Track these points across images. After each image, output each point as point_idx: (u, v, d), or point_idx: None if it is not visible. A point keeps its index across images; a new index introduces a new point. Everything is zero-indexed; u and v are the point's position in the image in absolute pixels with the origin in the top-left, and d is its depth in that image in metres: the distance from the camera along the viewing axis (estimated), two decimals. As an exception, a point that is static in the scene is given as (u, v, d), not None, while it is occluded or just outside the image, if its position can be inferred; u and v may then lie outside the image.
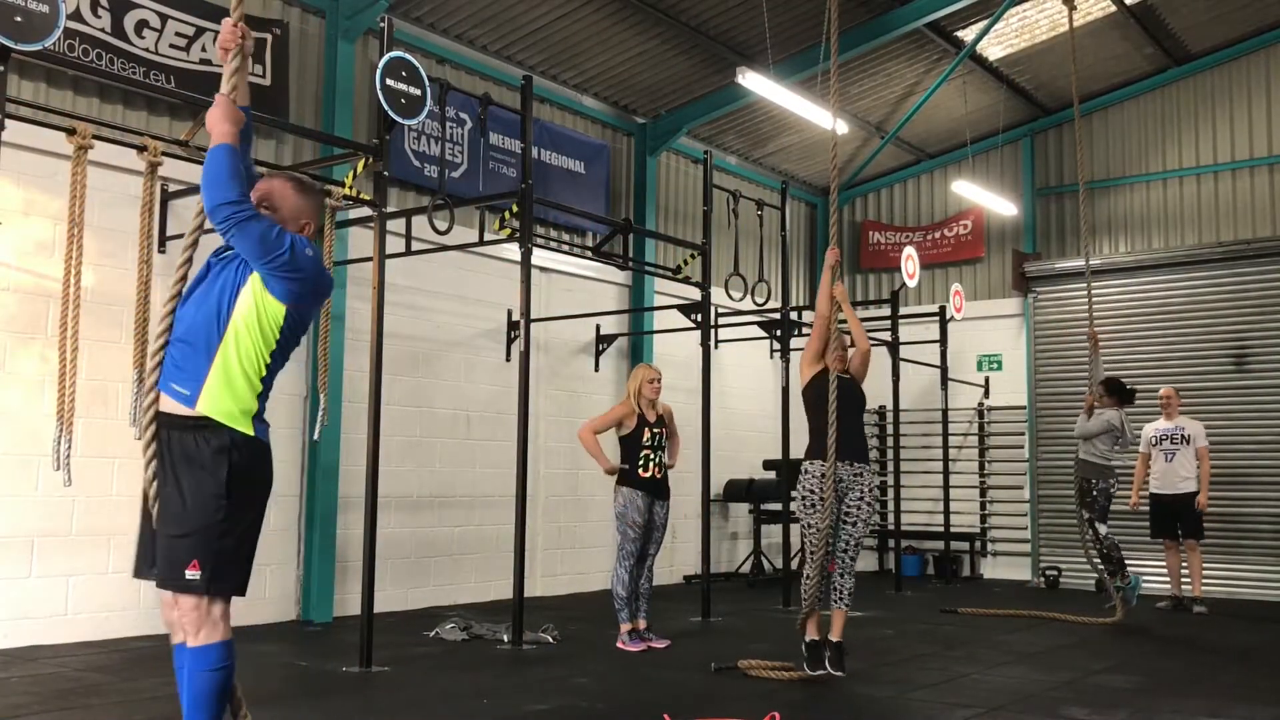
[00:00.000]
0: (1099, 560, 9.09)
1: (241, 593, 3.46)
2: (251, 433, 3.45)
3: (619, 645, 7.19)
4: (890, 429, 12.93)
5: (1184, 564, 9.92)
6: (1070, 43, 9.44)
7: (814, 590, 6.03)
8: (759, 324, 10.94)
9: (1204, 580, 10.21)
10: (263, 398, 3.51)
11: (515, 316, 8.74)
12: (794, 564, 12.21)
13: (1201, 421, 10.00)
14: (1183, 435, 9.76)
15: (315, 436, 7.91)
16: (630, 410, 7.43)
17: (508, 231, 7.99)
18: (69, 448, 5.91)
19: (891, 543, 12.70)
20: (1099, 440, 9.27)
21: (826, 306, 6.38)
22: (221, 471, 3.37)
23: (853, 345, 6.55)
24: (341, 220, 8.14)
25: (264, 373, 3.51)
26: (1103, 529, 9.18)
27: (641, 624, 7.33)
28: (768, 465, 12.44)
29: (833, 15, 6.54)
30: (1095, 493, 9.21)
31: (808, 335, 6.84)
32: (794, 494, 6.32)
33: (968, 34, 11.35)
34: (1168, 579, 10.15)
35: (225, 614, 3.44)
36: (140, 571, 3.55)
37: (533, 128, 8.04)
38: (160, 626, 7.45)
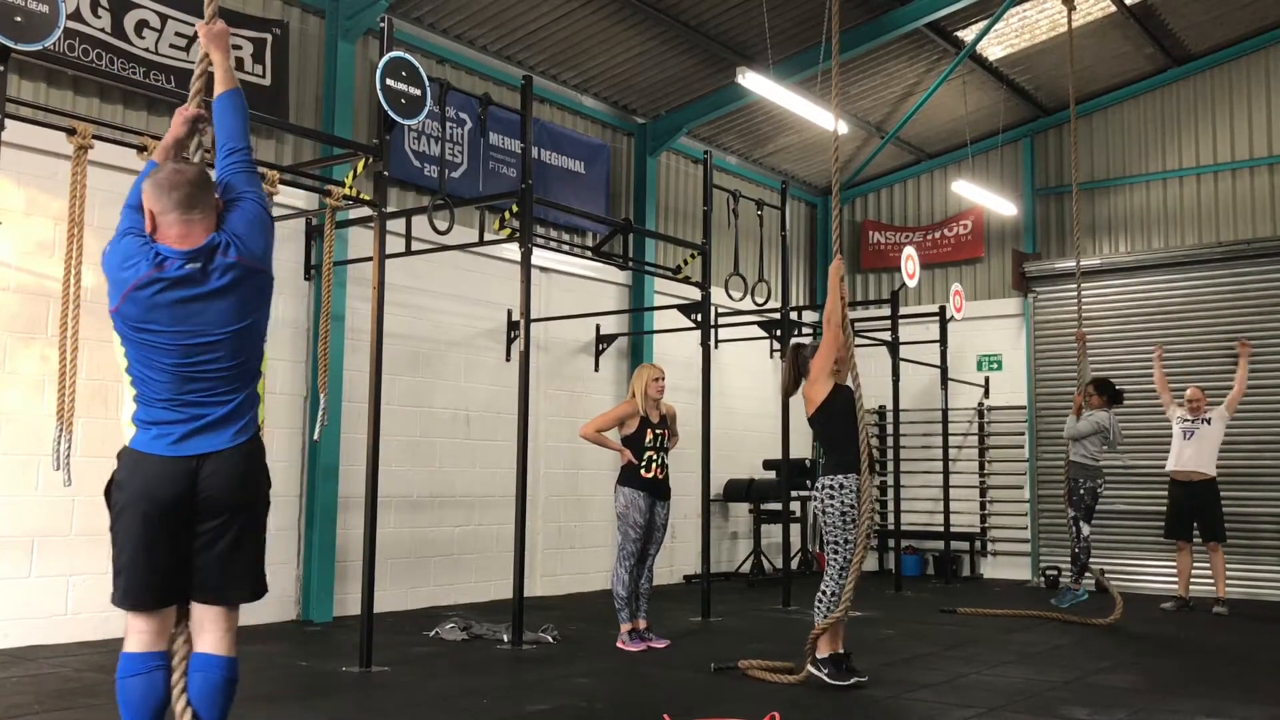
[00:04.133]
0: (1081, 559, 9.48)
1: (122, 605, 3.30)
2: (126, 441, 3.32)
3: (619, 645, 7.18)
4: (890, 429, 12.93)
5: (1195, 565, 9.86)
6: (1069, 43, 9.44)
7: (845, 605, 5.90)
8: (759, 324, 10.93)
9: (1206, 580, 10.19)
10: (141, 401, 3.30)
11: (515, 316, 8.76)
12: (794, 564, 12.22)
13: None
14: (1205, 420, 9.63)
15: (315, 436, 7.91)
16: (634, 410, 7.39)
17: (508, 231, 7.99)
18: (69, 448, 5.91)
19: (891, 543, 12.70)
20: (1088, 441, 9.51)
21: (841, 315, 6.27)
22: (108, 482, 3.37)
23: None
24: (341, 220, 8.15)
25: (129, 377, 3.32)
26: (1085, 529, 9.50)
27: (642, 624, 7.31)
28: (768, 465, 12.44)
29: (833, 14, 6.52)
30: (1083, 491, 9.47)
31: (807, 335, 6.82)
32: (820, 507, 6.13)
33: (968, 34, 11.35)
34: (1175, 580, 10.11)
35: (129, 624, 3.34)
36: None
37: (533, 128, 8.04)
38: (160, 626, 7.46)
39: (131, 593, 3.28)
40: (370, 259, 6.90)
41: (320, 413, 7.75)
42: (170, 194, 3.26)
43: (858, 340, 12.41)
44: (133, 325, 3.24)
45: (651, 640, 7.26)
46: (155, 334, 3.23)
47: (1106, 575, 9.74)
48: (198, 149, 3.67)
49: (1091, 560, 9.94)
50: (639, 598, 7.34)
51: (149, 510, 3.23)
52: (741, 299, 10.61)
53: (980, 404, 13.25)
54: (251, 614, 7.91)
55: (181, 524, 3.27)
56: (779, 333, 10.61)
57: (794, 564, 12.29)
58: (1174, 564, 10.22)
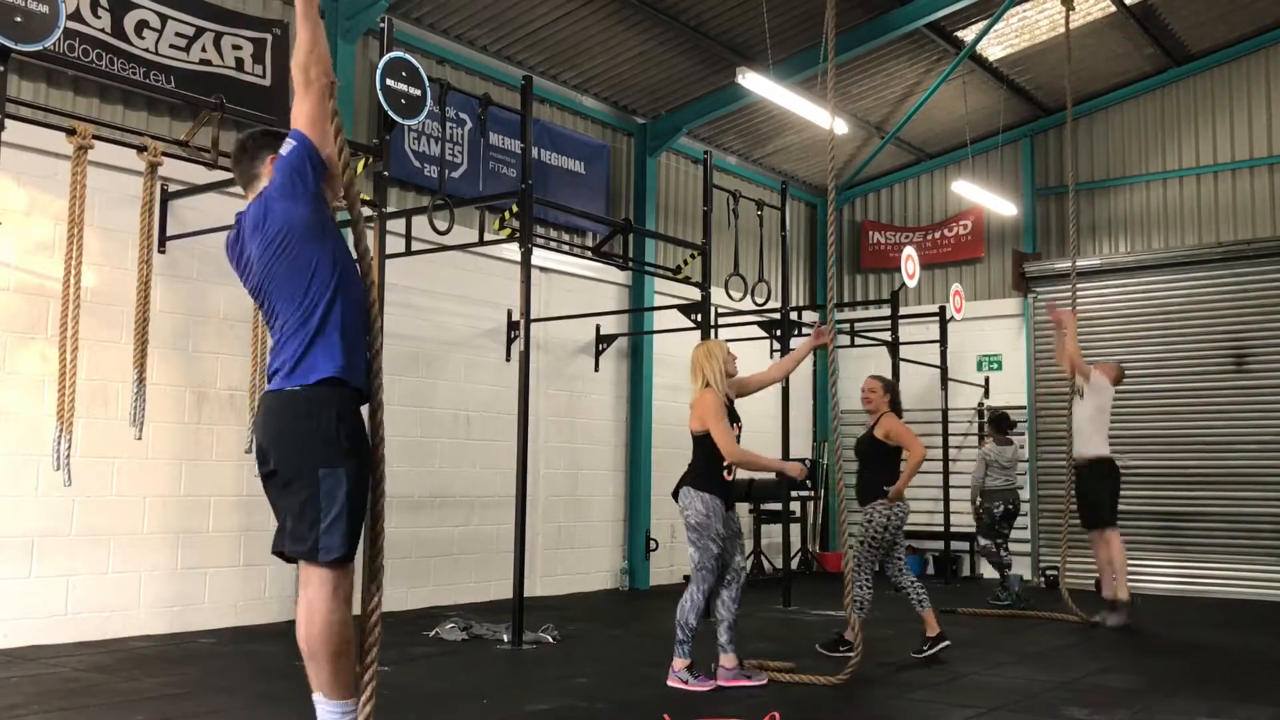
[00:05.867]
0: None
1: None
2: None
3: (677, 684, 5.88)
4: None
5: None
6: (1066, 43, 9.43)
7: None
8: (759, 324, 10.94)
9: (1205, 580, 10.15)
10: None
11: (515, 316, 8.75)
12: (794, 564, 12.22)
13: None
14: (1079, 394, 9.15)
15: (315, 437, 7.89)
16: (722, 399, 6.11)
17: (508, 231, 7.99)
18: (69, 448, 5.92)
19: (891, 543, 12.68)
20: (993, 470, 10.23)
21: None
22: None
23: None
24: (342, 220, 8.13)
25: None
26: (984, 542, 10.29)
27: (730, 660, 6.00)
28: (768, 465, 12.42)
29: (830, 10, 6.52)
30: (981, 511, 10.29)
31: (807, 335, 6.75)
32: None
33: (968, 34, 11.35)
34: (1173, 580, 9.99)
35: None
36: None
37: (533, 128, 8.04)
38: (160, 627, 7.47)
39: None
40: (370, 259, 6.89)
41: (320, 413, 7.74)
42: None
43: (858, 340, 12.45)
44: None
45: (749, 678, 5.98)
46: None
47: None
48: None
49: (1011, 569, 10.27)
50: (728, 628, 6.07)
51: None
52: (741, 299, 10.61)
53: (980, 404, 13.24)
54: (251, 614, 7.92)
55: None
56: (779, 333, 10.61)
57: (794, 564, 12.29)
58: (1171, 563, 10.18)
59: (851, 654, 6.26)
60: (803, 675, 6.09)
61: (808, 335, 6.71)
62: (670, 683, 5.90)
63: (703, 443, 6.11)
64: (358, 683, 3.45)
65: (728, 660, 5.99)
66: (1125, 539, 12.11)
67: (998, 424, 10.42)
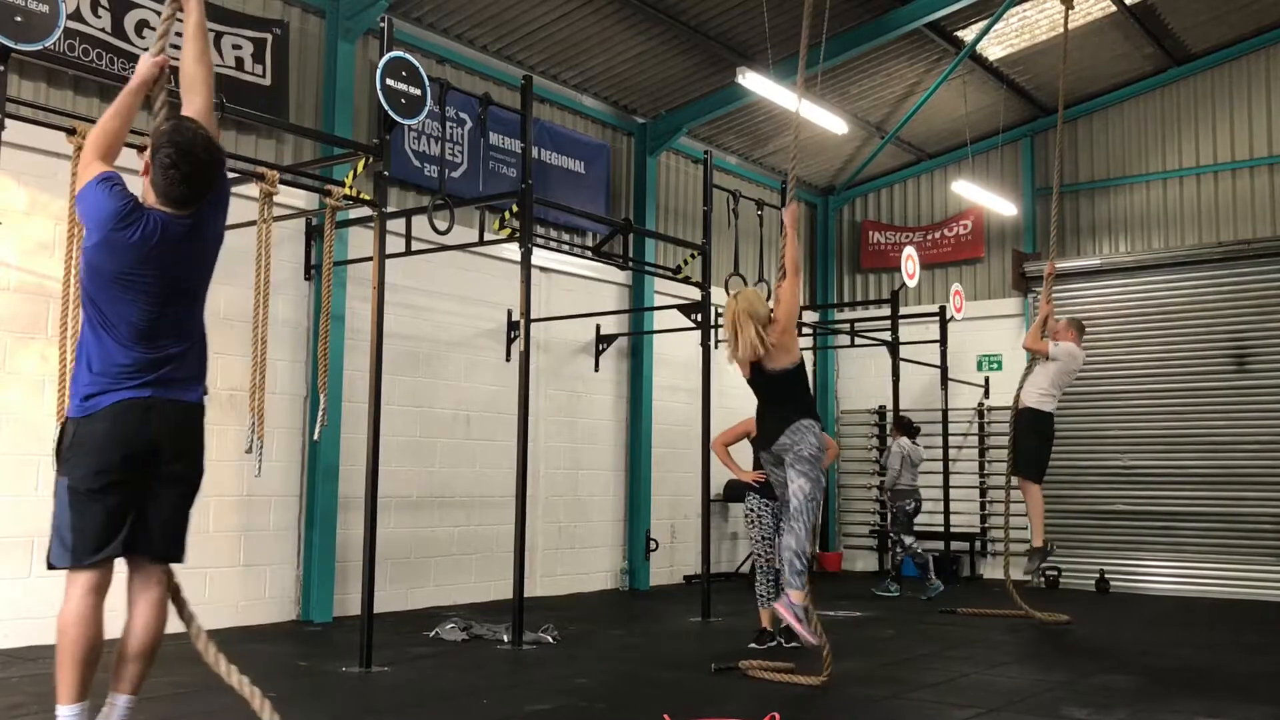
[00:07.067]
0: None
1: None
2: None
3: (791, 618, 5.72)
4: (890, 429, 12.92)
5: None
6: (1064, 44, 9.45)
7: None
8: (759, 324, 10.93)
9: (1205, 580, 10.14)
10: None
11: (515, 316, 8.76)
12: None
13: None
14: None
15: (315, 436, 7.90)
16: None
17: (508, 231, 7.99)
18: (69, 448, 5.90)
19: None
20: (904, 470, 10.92)
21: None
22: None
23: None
24: (341, 220, 8.15)
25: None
26: (909, 540, 10.92)
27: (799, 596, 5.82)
28: (768, 465, 12.43)
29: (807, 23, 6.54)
30: (895, 510, 11.03)
31: (807, 335, 6.80)
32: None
33: (968, 34, 11.35)
34: (1175, 579, 10.03)
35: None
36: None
37: (533, 128, 8.04)
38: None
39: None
40: (370, 259, 6.90)
41: (320, 413, 7.74)
42: None
43: (858, 340, 12.45)
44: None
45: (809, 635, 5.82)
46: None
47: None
48: (161, 100, 3.80)
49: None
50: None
51: None
52: (741, 299, 10.59)
53: (980, 404, 13.24)
54: (251, 614, 7.92)
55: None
56: (779, 333, 10.60)
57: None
58: (1171, 563, 10.20)
59: (771, 643, 6.97)
60: (797, 676, 6.07)
61: (808, 334, 6.72)
62: (785, 615, 5.65)
63: (796, 376, 6.02)
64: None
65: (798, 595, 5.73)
66: (1127, 539, 12.15)
67: (905, 427, 10.98)
